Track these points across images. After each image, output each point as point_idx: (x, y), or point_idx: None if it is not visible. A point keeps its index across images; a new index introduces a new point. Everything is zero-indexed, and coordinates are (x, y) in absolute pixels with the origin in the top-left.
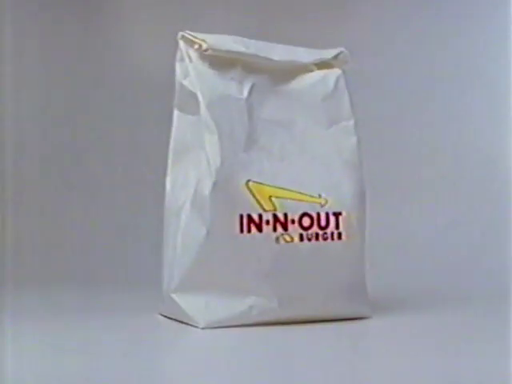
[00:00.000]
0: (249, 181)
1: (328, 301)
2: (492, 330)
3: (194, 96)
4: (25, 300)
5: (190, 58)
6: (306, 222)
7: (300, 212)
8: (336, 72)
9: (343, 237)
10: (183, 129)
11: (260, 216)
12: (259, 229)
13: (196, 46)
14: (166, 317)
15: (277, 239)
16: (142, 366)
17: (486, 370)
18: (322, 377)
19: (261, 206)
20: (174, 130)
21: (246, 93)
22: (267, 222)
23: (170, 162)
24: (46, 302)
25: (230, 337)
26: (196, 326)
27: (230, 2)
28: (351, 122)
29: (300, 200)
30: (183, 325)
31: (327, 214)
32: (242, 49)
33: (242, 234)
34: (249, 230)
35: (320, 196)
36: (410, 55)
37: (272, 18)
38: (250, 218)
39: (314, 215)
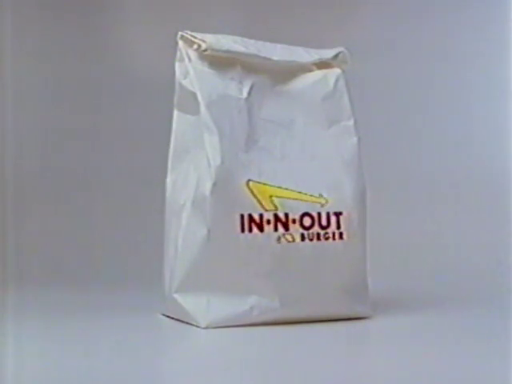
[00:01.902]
0: (249, 181)
1: (329, 300)
2: (492, 329)
3: (193, 96)
4: (26, 300)
5: (189, 58)
6: (307, 221)
7: (301, 212)
8: (336, 72)
9: (344, 237)
10: (183, 129)
11: (261, 216)
12: (260, 228)
13: (195, 46)
14: (167, 317)
15: (278, 239)
16: (144, 366)
17: (486, 370)
18: (322, 376)
19: (262, 205)
20: (174, 130)
21: (245, 93)
22: (268, 222)
23: (170, 161)
24: (47, 302)
25: (232, 336)
26: (198, 326)
27: (230, 1)
28: (351, 122)
29: (301, 200)
30: (185, 324)
31: (328, 214)
32: (241, 49)
33: (243, 234)
34: (250, 230)
35: (321, 195)
36: (410, 55)
37: (272, 17)
38: (250, 217)
39: (315, 215)
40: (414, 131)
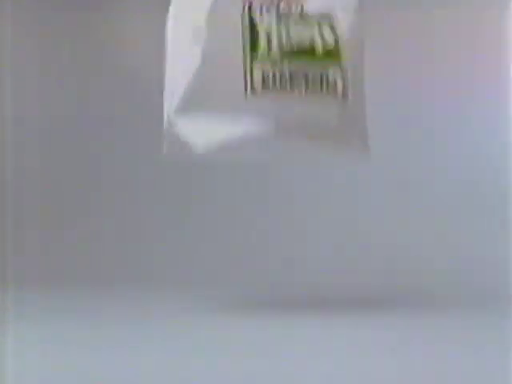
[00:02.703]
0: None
1: (328, 129)
2: (492, 330)
3: None
4: (26, 300)
5: None
6: None
7: None
8: None
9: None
10: None
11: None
12: None
13: None
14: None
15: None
16: (145, 365)
17: (486, 370)
18: (321, 374)
19: None
20: None
21: None
22: None
23: None
24: (47, 302)
25: None
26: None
27: None
28: None
29: None
30: None
31: None
32: None
33: None
34: None
35: None
36: (410, 55)
37: None
38: None
39: None
40: (414, 131)
